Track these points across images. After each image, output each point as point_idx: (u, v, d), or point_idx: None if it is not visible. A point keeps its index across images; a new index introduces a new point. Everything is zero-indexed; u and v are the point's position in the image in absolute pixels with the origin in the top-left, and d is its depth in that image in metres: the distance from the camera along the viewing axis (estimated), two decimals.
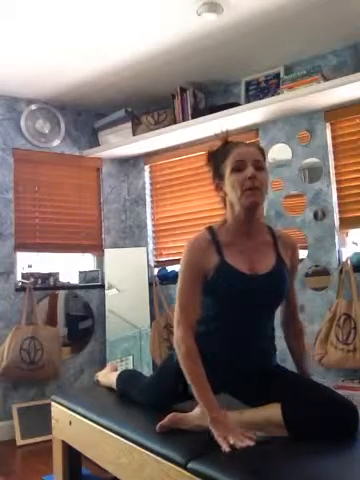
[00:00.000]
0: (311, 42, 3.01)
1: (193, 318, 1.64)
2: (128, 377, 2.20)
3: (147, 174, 4.09)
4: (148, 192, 4.08)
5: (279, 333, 1.86)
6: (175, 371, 1.67)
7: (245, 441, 1.39)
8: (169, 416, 1.64)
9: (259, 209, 1.71)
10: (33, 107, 3.72)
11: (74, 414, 2.10)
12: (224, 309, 1.67)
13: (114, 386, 2.21)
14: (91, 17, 2.62)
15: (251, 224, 1.70)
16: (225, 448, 1.38)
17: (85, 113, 4.02)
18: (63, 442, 2.21)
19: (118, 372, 2.30)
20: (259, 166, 1.66)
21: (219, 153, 1.73)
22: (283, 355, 1.87)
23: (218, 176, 1.71)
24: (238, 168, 1.64)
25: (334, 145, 3.13)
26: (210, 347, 1.65)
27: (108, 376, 2.35)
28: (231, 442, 1.39)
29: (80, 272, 3.97)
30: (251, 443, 1.39)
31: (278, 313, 1.84)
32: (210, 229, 1.71)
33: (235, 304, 1.66)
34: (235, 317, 1.67)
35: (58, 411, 2.26)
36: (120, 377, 2.21)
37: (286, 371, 1.75)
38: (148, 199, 4.08)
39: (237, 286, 1.63)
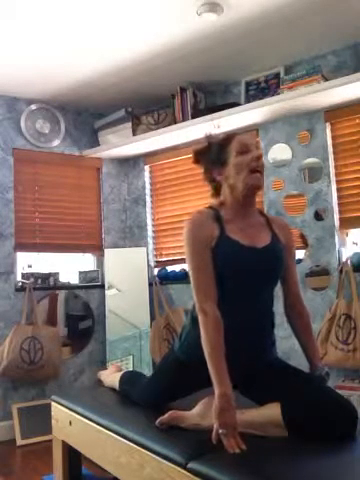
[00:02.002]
0: (311, 42, 3.01)
1: (213, 292, 1.65)
2: (130, 378, 2.21)
3: (147, 174, 4.09)
4: (148, 192, 4.09)
5: (280, 333, 1.86)
6: (175, 362, 1.68)
7: (231, 443, 1.41)
8: (169, 413, 1.66)
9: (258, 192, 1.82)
10: (33, 107, 3.72)
11: (74, 414, 2.10)
12: (224, 284, 1.67)
13: (116, 387, 2.21)
14: (91, 17, 2.62)
15: (249, 206, 1.79)
16: (213, 440, 1.45)
17: (85, 113, 4.02)
18: (63, 442, 2.21)
19: (121, 373, 2.30)
20: (260, 152, 1.76)
21: (217, 144, 1.79)
22: (285, 354, 1.87)
23: (218, 163, 1.78)
24: (243, 151, 1.72)
25: (334, 145, 3.13)
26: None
27: (111, 376, 2.35)
28: (220, 432, 1.43)
29: (80, 272, 3.97)
30: (237, 450, 1.40)
31: (280, 310, 1.84)
32: (210, 207, 1.80)
33: (235, 277, 1.68)
34: (235, 293, 1.68)
35: (58, 411, 2.26)
36: (122, 378, 2.21)
37: (287, 366, 1.75)
38: (148, 199, 4.08)
39: (237, 258, 1.68)
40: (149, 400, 1.90)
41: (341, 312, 2.86)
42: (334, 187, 3.12)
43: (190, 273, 1.69)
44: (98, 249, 4.04)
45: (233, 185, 1.74)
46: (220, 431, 1.43)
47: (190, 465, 1.39)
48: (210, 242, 1.68)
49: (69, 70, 3.24)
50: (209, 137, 1.85)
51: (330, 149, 3.13)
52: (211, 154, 1.81)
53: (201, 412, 1.61)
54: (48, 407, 2.42)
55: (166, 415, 1.65)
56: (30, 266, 3.73)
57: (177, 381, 1.75)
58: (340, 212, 3.10)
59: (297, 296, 1.85)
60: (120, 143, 3.81)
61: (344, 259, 3.00)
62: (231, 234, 1.70)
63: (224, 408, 1.47)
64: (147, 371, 3.52)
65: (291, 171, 3.25)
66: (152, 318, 3.76)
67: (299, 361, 1.87)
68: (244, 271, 1.68)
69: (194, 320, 1.70)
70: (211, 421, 1.50)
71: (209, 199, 3.97)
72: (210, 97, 3.65)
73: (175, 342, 1.84)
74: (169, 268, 3.98)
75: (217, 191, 1.85)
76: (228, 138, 1.77)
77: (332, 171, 3.12)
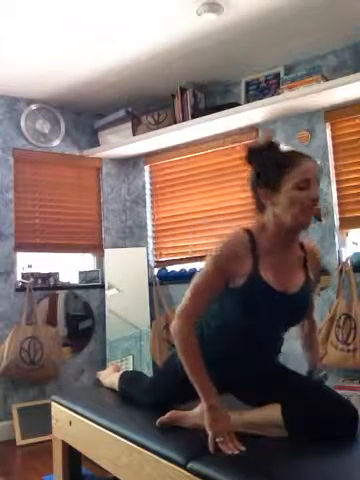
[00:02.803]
0: (311, 42, 3.01)
1: (198, 313, 1.61)
2: (130, 378, 2.20)
3: (147, 174, 4.09)
4: (148, 192, 4.08)
5: None
6: (178, 370, 1.67)
7: (230, 447, 1.40)
8: (169, 413, 1.66)
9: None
10: (33, 107, 3.72)
11: (74, 414, 2.10)
12: (242, 318, 1.60)
13: (116, 387, 2.21)
14: (91, 17, 2.62)
15: (292, 241, 1.65)
16: (211, 449, 1.42)
17: (85, 113, 4.02)
18: (63, 442, 2.21)
19: (120, 373, 2.30)
20: (318, 194, 1.58)
21: (275, 163, 1.57)
22: (284, 357, 1.87)
23: (269, 185, 1.57)
24: (303, 186, 1.52)
25: (334, 145, 3.13)
26: (216, 348, 1.64)
27: (110, 376, 2.34)
28: (217, 440, 1.42)
29: (80, 272, 3.97)
30: (235, 451, 1.39)
31: None
32: (249, 233, 1.59)
33: (256, 316, 1.59)
34: (251, 327, 1.61)
35: (58, 411, 2.26)
36: (122, 378, 2.20)
37: (286, 370, 1.75)
38: (148, 199, 4.08)
39: (265, 302, 1.56)
40: (150, 402, 1.90)
41: (341, 312, 2.86)
42: (334, 187, 3.12)
43: (193, 283, 1.61)
44: (98, 249, 4.04)
45: (280, 216, 1.56)
46: (216, 440, 1.43)
47: (190, 465, 1.39)
48: (236, 278, 1.55)
49: (69, 70, 3.24)
50: (269, 145, 1.62)
51: (330, 149, 3.13)
52: (264, 169, 1.60)
53: (201, 412, 1.61)
54: (48, 407, 2.41)
55: (166, 415, 1.65)
56: (30, 266, 3.73)
57: (179, 388, 1.72)
58: (340, 212, 3.10)
59: (311, 311, 1.83)
60: (120, 143, 3.81)
61: (344, 259, 3.00)
62: (264, 272, 1.56)
63: (214, 419, 1.47)
64: (147, 371, 3.52)
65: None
66: (152, 318, 3.76)
67: (298, 363, 1.87)
68: (268, 315, 1.59)
69: (201, 330, 1.68)
70: None
71: (209, 199, 3.94)
72: (210, 97, 3.65)
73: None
74: (169, 268, 3.98)
75: (260, 207, 1.63)
76: (290, 163, 1.54)
77: (332, 171, 3.12)
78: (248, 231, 1.59)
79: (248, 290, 1.55)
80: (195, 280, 1.61)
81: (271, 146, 1.62)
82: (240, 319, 1.60)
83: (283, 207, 1.55)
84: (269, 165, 1.58)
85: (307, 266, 1.69)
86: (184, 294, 1.68)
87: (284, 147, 1.63)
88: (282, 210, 1.55)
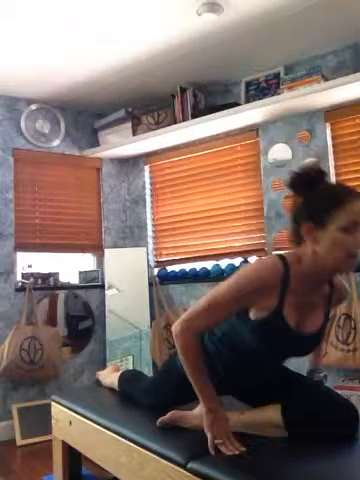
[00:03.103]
0: (311, 42, 3.01)
1: (206, 327, 1.55)
2: (130, 377, 2.20)
3: (147, 174, 4.09)
4: (148, 192, 4.08)
5: None
6: (178, 370, 1.67)
7: (230, 448, 1.40)
8: (170, 413, 1.66)
9: None
10: (33, 107, 3.72)
11: (74, 414, 2.10)
12: (252, 343, 1.53)
13: (116, 386, 2.21)
14: (91, 17, 2.62)
15: (325, 281, 1.56)
16: (210, 448, 1.42)
17: (85, 113, 4.02)
18: (63, 442, 2.21)
19: (120, 372, 2.29)
20: None
21: (323, 197, 1.46)
22: None
23: (313, 219, 1.44)
24: (350, 229, 1.39)
25: (334, 145, 3.13)
26: (217, 357, 1.63)
27: (110, 376, 2.34)
28: (216, 442, 1.42)
29: (80, 272, 3.97)
30: (236, 452, 1.39)
31: None
32: (285, 264, 1.46)
33: (268, 348, 1.53)
34: (259, 353, 1.56)
35: (58, 411, 2.26)
36: (122, 377, 2.20)
37: (287, 370, 1.75)
38: (148, 199, 4.08)
39: (280, 338, 1.50)
40: (150, 402, 1.90)
41: (341, 312, 2.85)
42: None
43: (211, 295, 1.50)
44: (98, 249, 4.04)
45: (321, 256, 1.43)
46: (215, 442, 1.43)
47: (190, 465, 1.39)
48: (258, 309, 1.47)
49: (69, 70, 3.24)
50: (319, 176, 1.50)
51: (330, 149, 3.13)
52: (310, 201, 1.47)
53: (201, 413, 1.61)
54: (48, 407, 2.41)
55: (167, 415, 1.65)
56: (30, 266, 3.73)
57: (179, 388, 1.72)
58: None
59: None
60: (120, 143, 3.81)
61: None
62: (287, 310, 1.46)
63: (213, 421, 1.47)
64: (147, 371, 3.52)
65: (291, 171, 3.25)
66: (152, 318, 3.76)
67: (298, 363, 1.87)
68: (281, 348, 1.55)
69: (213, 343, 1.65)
70: None
71: (209, 199, 3.92)
72: (210, 97, 3.65)
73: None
74: (169, 268, 3.98)
75: (299, 239, 1.49)
76: (340, 200, 1.41)
77: (332, 171, 3.12)
78: (285, 261, 1.46)
79: (267, 326, 1.47)
80: (215, 293, 1.50)
81: (321, 177, 1.50)
82: (249, 343, 1.54)
83: (325, 247, 1.41)
84: (316, 198, 1.46)
85: (331, 302, 1.60)
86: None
87: (331, 180, 1.50)
88: (324, 250, 1.42)
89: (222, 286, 1.49)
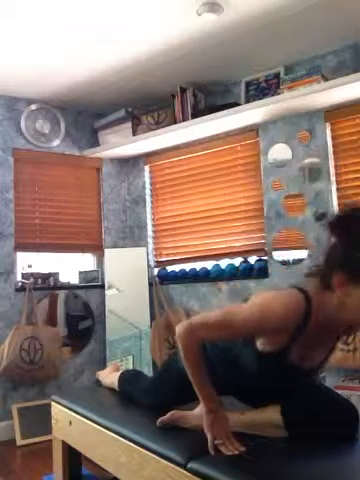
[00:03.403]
0: (311, 42, 3.01)
1: (208, 340, 1.53)
2: (130, 377, 2.20)
3: (147, 174, 4.09)
4: (148, 192, 4.08)
5: None
6: (178, 370, 1.67)
7: (230, 448, 1.40)
8: (170, 412, 1.66)
9: None
10: (33, 107, 3.72)
11: (74, 414, 2.10)
12: (256, 370, 1.52)
13: (116, 386, 2.21)
14: (91, 17, 2.62)
15: (340, 331, 1.50)
16: (210, 448, 1.42)
17: (85, 113, 4.02)
18: (63, 442, 2.21)
19: (120, 372, 2.29)
20: None
21: None
22: None
23: (348, 267, 1.31)
24: None
25: (334, 145, 3.13)
26: (223, 365, 1.62)
27: (110, 376, 2.34)
28: (216, 442, 1.42)
29: (80, 272, 3.97)
30: (235, 452, 1.38)
31: None
32: (308, 305, 1.37)
33: (268, 375, 1.52)
34: (259, 378, 1.54)
35: (58, 411, 2.26)
36: (122, 377, 2.20)
37: None
38: (148, 199, 4.08)
39: (279, 370, 1.48)
40: (150, 402, 1.90)
41: None
42: (334, 187, 3.12)
43: (221, 319, 1.44)
44: (98, 249, 4.04)
45: (348, 310, 1.32)
46: (215, 442, 1.43)
47: (190, 465, 1.39)
48: (266, 342, 1.44)
49: (69, 70, 3.24)
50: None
51: (330, 149, 3.13)
52: (350, 248, 1.32)
53: (202, 413, 1.61)
54: (48, 407, 2.41)
55: (167, 415, 1.65)
56: (30, 266, 3.73)
57: (179, 388, 1.72)
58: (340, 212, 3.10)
59: None
60: (120, 143, 3.81)
61: None
62: (295, 351, 1.42)
63: (213, 422, 1.47)
64: (147, 371, 3.52)
65: (291, 171, 3.25)
66: (152, 318, 3.76)
67: None
68: (279, 378, 1.52)
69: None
70: None
71: (209, 199, 3.92)
72: (210, 97, 3.65)
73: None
74: (169, 268, 3.98)
75: (327, 284, 1.37)
76: None
77: (332, 171, 3.12)
78: (309, 303, 1.36)
79: (270, 359, 1.45)
80: (232, 315, 1.43)
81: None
82: (250, 366, 1.53)
83: (355, 306, 1.30)
84: (357, 249, 1.30)
85: (336, 343, 1.56)
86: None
87: None
88: (354, 306, 1.30)
89: (241, 310, 1.42)
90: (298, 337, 1.39)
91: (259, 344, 1.46)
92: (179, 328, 1.51)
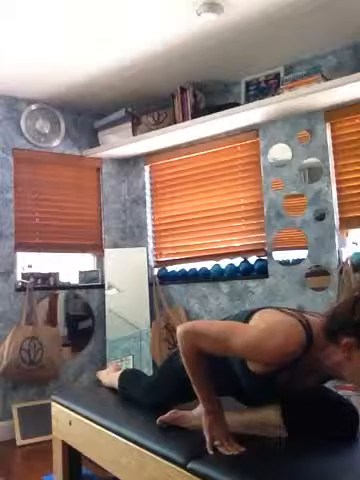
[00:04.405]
0: (311, 42, 3.01)
1: (203, 349, 1.48)
2: (130, 377, 2.20)
3: (147, 174, 4.09)
4: (148, 192, 4.08)
5: None
6: (179, 370, 1.67)
7: (229, 450, 1.40)
8: (170, 412, 1.66)
9: None
10: (33, 107, 3.72)
11: (74, 414, 2.10)
12: (245, 386, 1.54)
13: (116, 386, 2.21)
14: (91, 17, 2.62)
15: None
16: (209, 449, 1.42)
17: (85, 113, 4.02)
18: (63, 442, 2.21)
19: (120, 372, 2.29)
20: None
21: None
22: None
23: (358, 335, 1.30)
24: None
25: (334, 145, 3.13)
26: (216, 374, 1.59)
27: (110, 376, 2.34)
28: (215, 443, 1.42)
29: (80, 272, 3.97)
30: (235, 452, 1.39)
31: None
32: (309, 344, 1.36)
33: (256, 392, 1.54)
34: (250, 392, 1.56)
35: (58, 411, 2.26)
36: (122, 377, 2.20)
37: None
38: (148, 199, 4.08)
39: (266, 388, 1.49)
40: (150, 402, 1.90)
41: None
42: (334, 187, 3.12)
43: (221, 335, 1.43)
44: (98, 249, 4.04)
45: (346, 371, 1.34)
46: (214, 443, 1.43)
47: (190, 465, 1.39)
48: (258, 366, 1.42)
49: (69, 70, 3.24)
50: None
51: (330, 149, 3.13)
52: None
53: (201, 414, 1.61)
54: (48, 407, 2.41)
55: (167, 414, 1.66)
56: (30, 266, 3.72)
57: (179, 388, 1.72)
58: (340, 212, 3.10)
59: None
60: (120, 143, 3.81)
61: (344, 259, 3.00)
62: (285, 375, 1.42)
63: (212, 423, 1.47)
64: (147, 371, 3.52)
65: (291, 171, 3.25)
66: (152, 318, 3.76)
67: None
68: (267, 396, 1.54)
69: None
70: None
71: (209, 199, 3.92)
72: (210, 97, 3.65)
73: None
74: (169, 268, 3.98)
75: (331, 339, 1.35)
76: None
77: (332, 171, 3.12)
78: (310, 341, 1.35)
79: (259, 379, 1.44)
80: (232, 333, 1.42)
81: None
82: (240, 380, 1.53)
83: (356, 370, 1.32)
84: None
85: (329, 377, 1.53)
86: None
87: None
88: (353, 370, 1.32)
89: (242, 332, 1.41)
90: (288, 368, 1.39)
91: (250, 365, 1.45)
92: (181, 329, 1.51)
